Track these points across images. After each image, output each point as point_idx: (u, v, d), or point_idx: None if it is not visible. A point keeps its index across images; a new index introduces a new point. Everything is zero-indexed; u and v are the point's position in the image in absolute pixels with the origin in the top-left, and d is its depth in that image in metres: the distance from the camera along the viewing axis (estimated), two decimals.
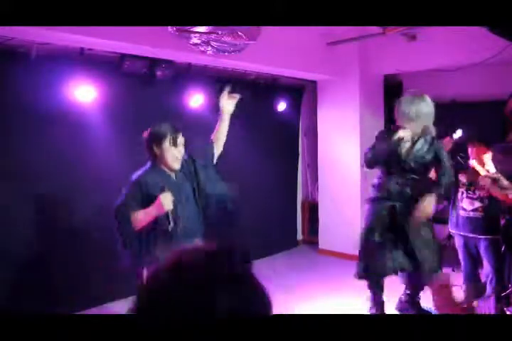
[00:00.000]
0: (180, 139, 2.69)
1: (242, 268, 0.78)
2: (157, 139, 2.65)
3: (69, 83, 3.69)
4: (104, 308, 3.91)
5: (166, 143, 2.64)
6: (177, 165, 2.70)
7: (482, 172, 3.35)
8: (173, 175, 2.75)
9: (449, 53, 4.66)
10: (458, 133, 4.01)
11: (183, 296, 0.72)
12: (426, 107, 3.09)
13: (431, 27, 4.07)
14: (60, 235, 3.76)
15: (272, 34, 4.02)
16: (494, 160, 3.41)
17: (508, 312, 3.39)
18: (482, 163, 3.42)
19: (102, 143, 3.95)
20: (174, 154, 2.66)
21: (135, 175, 2.69)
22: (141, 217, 2.54)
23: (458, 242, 3.68)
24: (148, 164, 2.73)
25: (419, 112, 3.06)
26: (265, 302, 0.77)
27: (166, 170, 2.71)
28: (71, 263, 3.81)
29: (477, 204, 3.47)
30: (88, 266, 3.87)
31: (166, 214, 2.52)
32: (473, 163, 3.46)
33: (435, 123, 3.18)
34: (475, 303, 3.67)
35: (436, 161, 3.18)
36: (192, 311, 0.71)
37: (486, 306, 3.50)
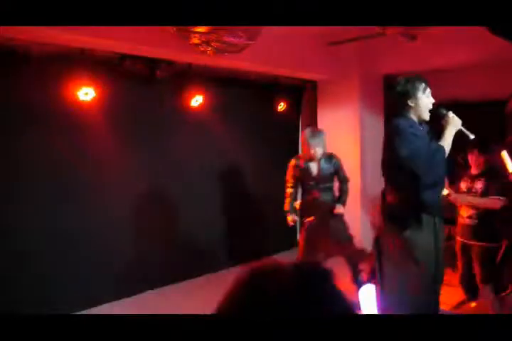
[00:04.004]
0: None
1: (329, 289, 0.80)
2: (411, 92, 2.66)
3: (69, 83, 3.69)
4: (103, 308, 3.91)
5: (420, 94, 2.69)
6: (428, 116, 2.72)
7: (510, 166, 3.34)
8: None
9: (449, 53, 4.66)
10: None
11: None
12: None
13: (431, 27, 4.06)
14: (63, 235, 3.77)
15: (271, 34, 4.02)
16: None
17: (507, 312, 3.40)
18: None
19: (102, 142, 3.95)
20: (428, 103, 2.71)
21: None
22: None
23: (457, 246, 3.70)
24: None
25: None
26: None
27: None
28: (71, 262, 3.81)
29: (471, 211, 3.48)
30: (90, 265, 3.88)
31: None
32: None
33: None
34: (473, 304, 3.69)
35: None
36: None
37: (485, 306, 3.51)
